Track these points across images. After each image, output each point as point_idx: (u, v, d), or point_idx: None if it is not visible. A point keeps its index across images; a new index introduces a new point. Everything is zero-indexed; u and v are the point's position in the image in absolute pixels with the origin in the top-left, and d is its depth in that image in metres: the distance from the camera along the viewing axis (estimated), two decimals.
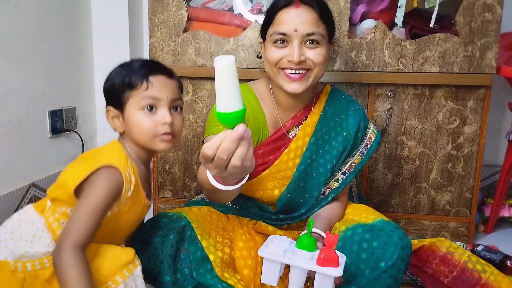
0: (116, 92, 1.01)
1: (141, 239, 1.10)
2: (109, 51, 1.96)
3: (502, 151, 1.95)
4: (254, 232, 1.20)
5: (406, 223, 1.77)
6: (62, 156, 1.78)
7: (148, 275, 1.05)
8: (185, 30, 1.70)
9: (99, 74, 1.98)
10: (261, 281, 0.96)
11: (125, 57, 1.95)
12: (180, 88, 1.07)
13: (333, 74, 1.65)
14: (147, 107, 0.98)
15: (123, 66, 1.03)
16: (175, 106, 1.03)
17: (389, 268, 1.03)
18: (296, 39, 1.10)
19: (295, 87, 1.13)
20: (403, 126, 1.69)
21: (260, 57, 1.27)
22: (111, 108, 1.03)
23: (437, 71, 1.62)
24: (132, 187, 0.98)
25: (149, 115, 0.99)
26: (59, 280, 0.87)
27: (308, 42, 1.12)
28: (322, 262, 0.90)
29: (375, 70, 1.64)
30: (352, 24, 1.70)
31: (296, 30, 1.10)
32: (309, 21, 1.10)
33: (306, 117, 1.25)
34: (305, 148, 1.23)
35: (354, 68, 1.64)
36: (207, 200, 1.30)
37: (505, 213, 1.90)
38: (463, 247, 1.49)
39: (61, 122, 1.74)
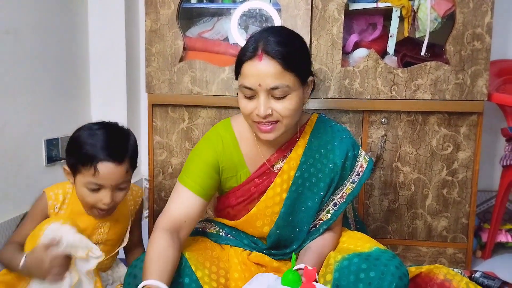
0: (72, 161, 1.20)
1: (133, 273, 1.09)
2: (106, 80, 1.98)
3: (497, 176, 1.96)
4: (249, 262, 1.19)
5: (404, 250, 1.76)
6: None
7: None
8: (181, 60, 1.72)
9: (95, 103, 1.99)
10: None
11: (122, 87, 1.98)
12: (131, 167, 1.23)
13: (327, 101, 1.67)
14: (93, 188, 1.17)
15: (84, 139, 1.19)
16: (119, 187, 1.20)
17: None
18: (262, 93, 1.07)
19: (268, 136, 1.12)
20: (397, 152, 1.71)
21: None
22: (66, 168, 1.22)
23: (429, 98, 1.64)
24: (58, 204, 1.24)
25: (93, 192, 1.18)
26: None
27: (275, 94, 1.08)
28: None
29: (369, 97, 1.66)
30: (345, 53, 1.74)
31: (260, 85, 1.06)
32: (272, 75, 1.06)
33: (291, 150, 1.21)
34: (291, 182, 1.20)
35: (347, 96, 1.67)
36: (201, 229, 1.29)
37: (502, 238, 1.89)
38: (460, 273, 1.47)
39: (57, 151, 1.74)
